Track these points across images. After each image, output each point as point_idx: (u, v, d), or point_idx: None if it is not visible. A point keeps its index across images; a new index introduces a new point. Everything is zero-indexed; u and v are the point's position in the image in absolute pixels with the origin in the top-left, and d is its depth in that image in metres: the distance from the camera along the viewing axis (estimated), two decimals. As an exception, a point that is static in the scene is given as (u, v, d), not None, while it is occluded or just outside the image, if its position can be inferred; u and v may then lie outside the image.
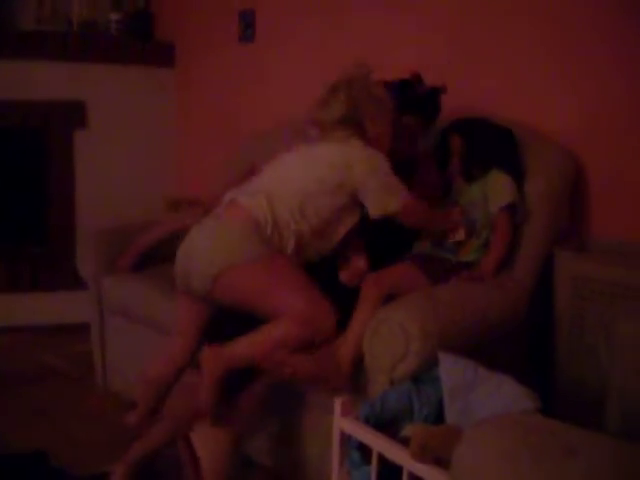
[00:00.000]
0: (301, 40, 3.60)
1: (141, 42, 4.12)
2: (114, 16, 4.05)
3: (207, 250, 2.16)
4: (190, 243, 2.24)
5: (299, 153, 2.34)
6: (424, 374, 1.94)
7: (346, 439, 1.84)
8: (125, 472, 2.28)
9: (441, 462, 1.59)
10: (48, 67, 3.84)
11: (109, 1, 4.10)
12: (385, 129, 2.34)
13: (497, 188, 2.46)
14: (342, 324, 2.14)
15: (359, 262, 2.36)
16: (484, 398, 1.79)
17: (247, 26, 3.82)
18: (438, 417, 1.86)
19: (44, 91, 3.85)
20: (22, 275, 3.92)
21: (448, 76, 2.80)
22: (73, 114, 3.96)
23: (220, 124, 4.07)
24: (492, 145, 2.53)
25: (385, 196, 2.22)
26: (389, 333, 1.97)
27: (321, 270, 2.28)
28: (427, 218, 2.40)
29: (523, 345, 2.48)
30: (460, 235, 2.43)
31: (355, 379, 2.11)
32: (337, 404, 1.85)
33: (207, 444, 2.14)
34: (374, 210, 2.23)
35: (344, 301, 2.16)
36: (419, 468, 1.61)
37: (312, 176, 2.22)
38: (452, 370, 1.86)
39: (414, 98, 2.56)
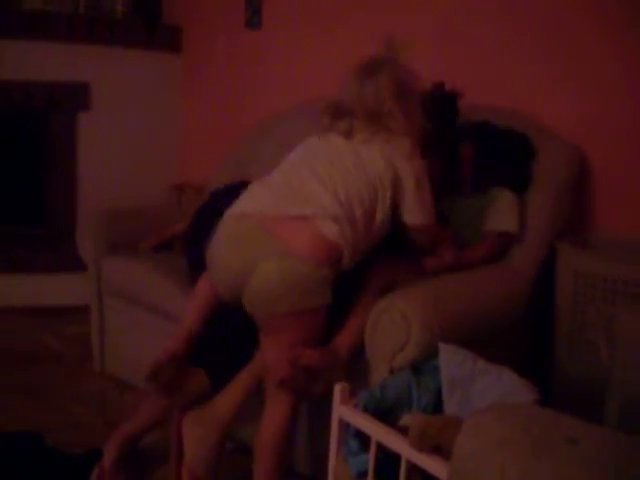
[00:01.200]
0: (309, 27, 3.58)
1: (148, 25, 4.10)
2: (120, -2, 4.03)
3: (271, 285, 1.94)
4: (246, 257, 1.98)
5: (347, 154, 2.07)
6: (424, 364, 1.94)
7: (345, 426, 1.84)
8: (116, 450, 2.28)
9: (439, 451, 1.59)
10: (53, 48, 3.83)
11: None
12: (415, 124, 2.13)
13: (501, 209, 2.46)
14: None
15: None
16: (483, 389, 1.79)
17: (254, 12, 3.80)
18: (436, 407, 1.86)
19: (49, 72, 3.84)
20: (22, 256, 3.91)
21: (453, 72, 2.81)
22: (77, 96, 3.94)
23: (225, 110, 4.06)
24: (504, 163, 2.52)
25: (420, 206, 2.11)
26: (390, 322, 1.97)
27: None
28: (437, 244, 2.26)
29: (523, 339, 2.47)
30: None
31: (355, 367, 2.11)
32: (336, 391, 1.84)
33: (193, 431, 2.14)
34: (408, 217, 2.11)
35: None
36: (417, 457, 1.61)
37: (372, 195, 2.03)
38: (452, 361, 1.86)
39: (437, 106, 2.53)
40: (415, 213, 2.11)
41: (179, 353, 2.18)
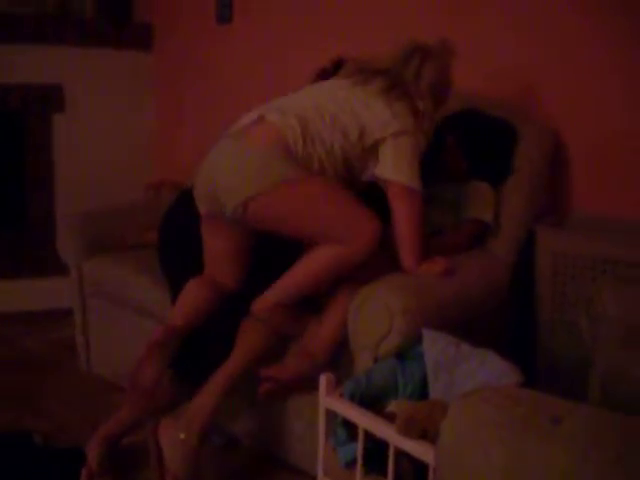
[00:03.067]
0: (280, 19, 3.57)
1: (118, 24, 4.07)
2: (89, -3, 3.99)
3: (233, 175, 2.04)
4: (213, 165, 2.11)
5: (339, 85, 2.21)
6: (408, 351, 1.95)
7: (331, 416, 1.85)
8: (99, 450, 2.27)
9: (427, 437, 1.60)
10: (24, 50, 3.76)
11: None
12: (431, 113, 2.22)
13: (478, 199, 2.48)
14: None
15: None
16: (468, 374, 1.80)
17: (224, 6, 3.79)
18: (422, 393, 1.88)
19: (21, 75, 3.78)
20: (1, 262, 3.87)
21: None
22: (51, 98, 3.90)
23: (199, 106, 4.05)
24: (487, 159, 2.54)
25: (401, 163, 2.12)
26: (372, 311, 1.98)
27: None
28: (418, 219, 2.15)
29: (507, 321, 2.49)
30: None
31: (339, 357, 2.13)
32: (322, 382, 1.85)
33: (170, 438, 2.12)
34: (382, 170, 2.13)
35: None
36: (405, 443, 1.63)
37: (347, 113, 2.11)
38: (435, 346, 1.87)
39: None
40: (394, 169, 2.11)
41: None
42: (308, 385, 1.94)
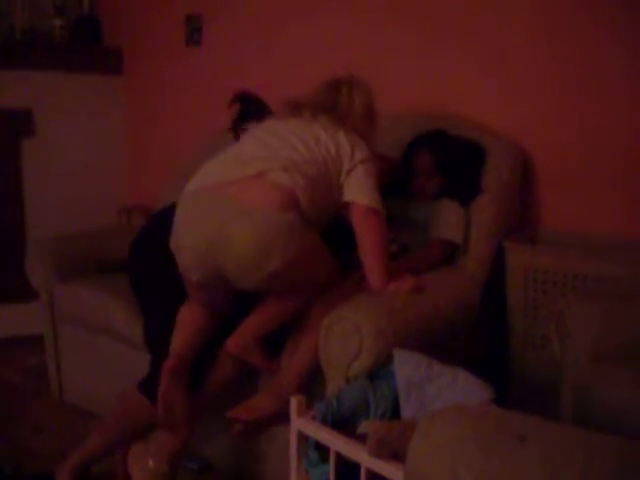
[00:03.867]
0: (247, 43, 3.59)
1: (88, 48, 4.06)
2: (58, 22, 3.97)
3: (253, 244, 1.91)
4: (213, 229, 1.95)
5: (302, 131, 2.14)
6: (380, 371, 1.94)
7: (303, 439, 1.84)
8: (70, 476, 2.26)
9: (399, 457, 1.59)
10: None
11: (51, 7, 4.00)
12: (370, 135, 2.27)
13: (448, 219, 2.49)
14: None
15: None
16: (439, 392, 1.80)
17: (194, 30, 3.80)
18: (394, 413, 1.86)
19: (-13, 100, 3.78)
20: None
21: (402, 73, 2.84)
22: (20, 122, 3.88)
23: (170, 129, 4.04)
24: (458, 179, 2.56)
25: (365, 187, 2.13)
26: (342, 332, 1.96)
27: None
28: (382, 239, 2.15)
29: (480, 338, 2.49)
30: (392, 248, 2.43)
31: (311, 380, 2.11)
32: (293, 404, 1.84)
33: (140, 465, 2.10)
34: (347, 193, 2.13)
35: None
36: (376, 464, 1.61)
37: (322, 156, 2.09)
38: (407, 366, 1.86)
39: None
40: (357, 192, 2.12)
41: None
42: (286, 418, 1.91)
